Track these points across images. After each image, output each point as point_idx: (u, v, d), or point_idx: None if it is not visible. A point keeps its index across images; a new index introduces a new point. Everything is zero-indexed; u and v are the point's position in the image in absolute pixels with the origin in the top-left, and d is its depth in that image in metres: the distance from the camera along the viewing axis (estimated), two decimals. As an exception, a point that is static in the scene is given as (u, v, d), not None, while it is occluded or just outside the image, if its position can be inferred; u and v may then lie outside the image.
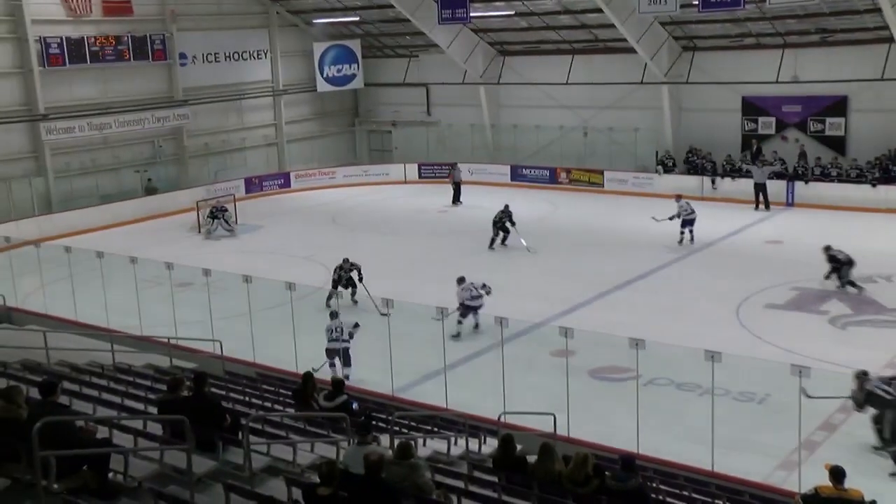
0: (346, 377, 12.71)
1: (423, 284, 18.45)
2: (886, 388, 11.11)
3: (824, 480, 7.40)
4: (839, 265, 17.45)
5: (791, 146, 26.27)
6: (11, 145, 25.82)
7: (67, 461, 6.39)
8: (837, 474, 7.35)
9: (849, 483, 7.35)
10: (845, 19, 24.42)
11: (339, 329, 13.57)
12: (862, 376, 11.08)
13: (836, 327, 15.63)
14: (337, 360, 13.51)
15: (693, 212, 21.55)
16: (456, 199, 27.98)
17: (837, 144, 25.80)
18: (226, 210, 25.30)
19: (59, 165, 26.76)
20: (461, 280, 15.82)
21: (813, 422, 11.31)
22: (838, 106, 25.63)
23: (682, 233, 21.57)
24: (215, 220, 24.86)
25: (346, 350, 13.49)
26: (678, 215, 21.44)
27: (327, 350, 13.59)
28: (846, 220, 23.27)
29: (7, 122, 25.59)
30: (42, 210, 25.89)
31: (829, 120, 25.88)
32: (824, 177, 25.19)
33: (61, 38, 26.11)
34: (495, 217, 22.05)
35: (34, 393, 8.34)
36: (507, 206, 22.10)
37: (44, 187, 26.32)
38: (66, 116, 26.57)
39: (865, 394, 11.09)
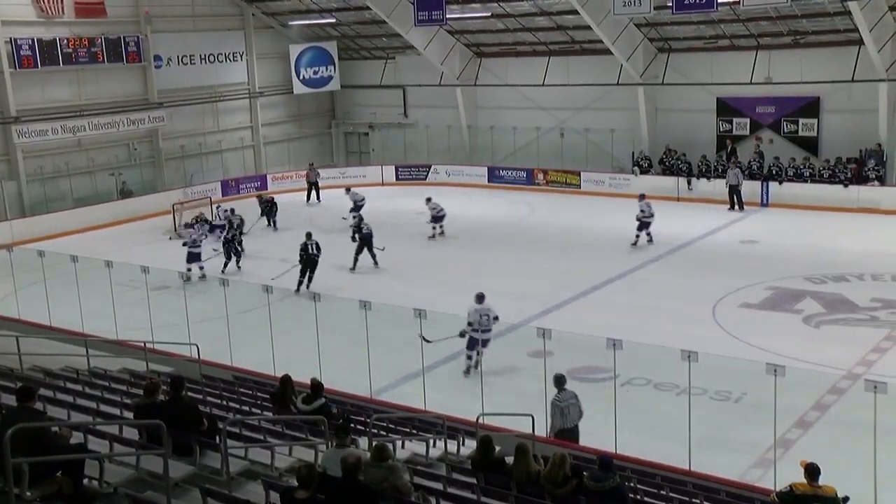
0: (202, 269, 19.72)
1: (400, 286, 18.44)
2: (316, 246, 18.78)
3: (799, 478, 7.47)
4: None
5: (765, 147, 26.55)
6: (-18, 148, 25.55)
7: (41, 467, 6.33)
8: (812, 472, 7.42)
9: (823, 480, 7.43)
10: (816, 22, 24.75)
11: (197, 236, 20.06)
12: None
13: (810, 326, 15.80)
14: (195, 265, 19.58)
15: (651, 215, 21.54)
16: (309, 197, 28.88)
17: (810, 145, 26.10)
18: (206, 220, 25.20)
19: (31, 168, 26.44)
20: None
21: (788, 420, 11.43)
22: (811, 107, 25.94)
23: (638, 235, 21.59)
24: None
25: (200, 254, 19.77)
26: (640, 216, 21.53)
27: (191, 254, 19.67)
28: (820, 220, 23.56)
29: (-22, 125, 25.31)
30: (15, 214, 25.58)
31: (801, 121, 26.18)
32: (798, 177, 25.48)
33: (33, 40, 25.81)
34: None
35: (6, 399, 8.25)
36: (272, 200, 26.03)
37: (16, 191, 26.00)
38: (39, 119, 26.27)
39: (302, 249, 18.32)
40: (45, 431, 6.69)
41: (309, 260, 18.78)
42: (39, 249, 16.50)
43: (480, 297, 13.86)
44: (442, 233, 23.29)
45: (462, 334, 13.43)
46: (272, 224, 25.45)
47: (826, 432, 11.60)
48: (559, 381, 10.81)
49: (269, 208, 25.59)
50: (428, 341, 12.78)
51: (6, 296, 17.26)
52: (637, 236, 21.65)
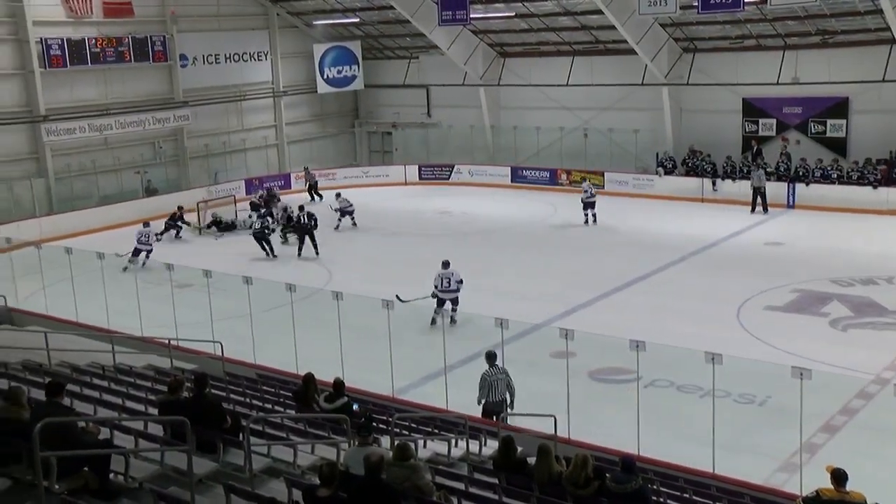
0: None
1: (422, 286, 18.43)
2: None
3: (826, 483, 7.39)
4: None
5: (791, 148, 26.28)
6: (12, 146, 25.83)
7: (68, 462, 6.40)
8: (839, 477, 7.32)
9: (851, 486, 7.34)
10: (846, 21, 24.44)
11: (147, 235, 21.37)
12: None
13: (837, 329, 15.61)
14: (142, 256, 20.80)
15: (594, 195, 24.38)
16: (312, 198, 28.80)
17: (838, 146, 25.80)
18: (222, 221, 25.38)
19: (59, 166, 26.76)
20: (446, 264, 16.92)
21: (814, 424, 11.30)
22: (839, 107, 25.63)
23: (586, 215, 24.25)
24: (170, 230, 24.33)
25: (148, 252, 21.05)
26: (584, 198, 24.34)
27: (137, 249, 20.93)
28: (847, 222, 23.27)
29: (8, 124, 25.59)
30: (43, 211, 25.88)
31: (829, 121, 25.87)
32: (825, 178, 25.18)
33: (62, 40, 26.12)
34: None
35: (35, 393, 8.36)
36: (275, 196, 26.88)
37: (44, 188, 26.32)
38: (67, 118, 26.57)
39: None
40: (72, 427, 6.77)
41: (300, 228, 21.81)
42: (67, 246, 16.69)
43: (446, 264, 16.34)
44: (354, 224, 24.72)
45: (433, 295, 16.08)
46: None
47: (854, 437, 11.46)
48: (490, 357, 11.51)
49: (269, 202, 26.01)
50: (402, 301, 14.72)
51: (35, 292, 17.48)
52: (586, 216, 24.25)
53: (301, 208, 22.30)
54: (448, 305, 16.02)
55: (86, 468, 6.56)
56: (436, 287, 16.15)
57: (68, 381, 9.92)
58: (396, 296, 14.70)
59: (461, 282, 16.11)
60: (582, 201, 24.30)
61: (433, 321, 15.53)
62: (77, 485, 6.44)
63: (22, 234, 21.16)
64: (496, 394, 11.40)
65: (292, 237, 22.85)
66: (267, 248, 21.91)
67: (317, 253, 21.61)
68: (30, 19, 25.51)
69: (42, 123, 26.01)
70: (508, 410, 11.42)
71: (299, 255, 21.63)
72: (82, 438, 6.80)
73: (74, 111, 26.83)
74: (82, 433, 6.92)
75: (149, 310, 15.51)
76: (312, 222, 21.77)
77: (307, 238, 21.69)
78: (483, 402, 11.51)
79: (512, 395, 11.48)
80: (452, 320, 15.74)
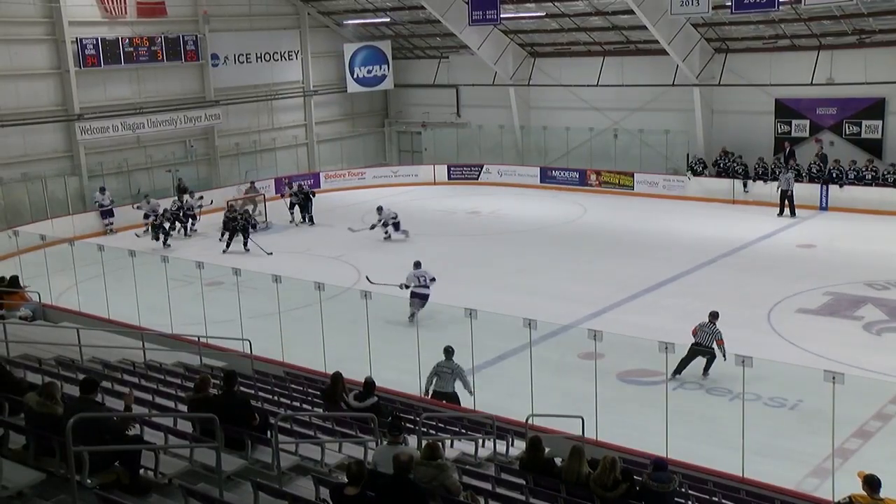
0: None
1: (450, 286, 18.43)
2: None
3: (859, 489, 7.27)
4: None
5: (825, 149, 25.91)
6: (47, 145, 26.23)
7: (100, 457, 6.49)
8: (872, 483, 7.20)
9: (885, 493, 7.21)
10: (884, 20, 24.01)
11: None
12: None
13: (871, 333, 15.37)
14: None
15: (396, 216, 23.72)
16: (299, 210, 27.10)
17: (874, 147, 25.39)
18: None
19: (93, 165, 27.11)
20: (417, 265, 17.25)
21: (847, 429, 11.14)
22: (875, 108, 25.22)
23: (386, 232, 23.67)
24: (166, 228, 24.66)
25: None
26: (381, 223, 23.57)
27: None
28: (882, 225, 22.89)
29: (43, 122, 25.99)
30: (76, 209, 26.23)
31: (865, 122, 25.47)
32: (859, 180, 24.78)
33: (97, 39, 26.46)
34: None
35: (68, 389, 8.47)
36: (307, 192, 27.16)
37: (78, 186, 26.70)
38: (101, 116, 26.93)
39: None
40: (103, 422, 6.86)
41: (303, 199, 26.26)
42: (99, 244, 16.91)
43: (417, 265, 16.96)
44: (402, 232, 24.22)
45: (402, 287, 16.60)
46: (307, 219, 26.19)
47: (888, 443, 11.28)
48: (447, 352, 12.29)
49: (302, 200, 26.21)
50: (372, 283, 15.56)
51: (68, 289, 17.73)
52: (386, 233, 23.59)
53: (301, 187, 26.78)
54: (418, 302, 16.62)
55: (117, 463, 6.64)
56: (407, 287, 16.60)
57: (100, 378, 10.04)
58: (367, 277, 16.22)
59: (434, 279, 16.70)
60: (385, 217, 23.78)
61: (411, 317, 15.99)
62: (109, 479, 6.52)
63: (56, 232, 21.47)
64: (441, 384, 12.18)
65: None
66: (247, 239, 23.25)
67: (312, 222, 26.06)
68: (66, 20, 25.87)
69: (76, 122, 26.37)
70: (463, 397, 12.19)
71: (294, 222, 26.14)
72: (114, 434, 6.88)
73: (108, 110, 27.18)
74: (118, 426, 7.01)
75: (179, 307, 15.65)
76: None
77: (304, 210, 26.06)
78: (431, 389, 12.22)
79: (466, 386, 12.10)
80: (412, 316, 15.87)
